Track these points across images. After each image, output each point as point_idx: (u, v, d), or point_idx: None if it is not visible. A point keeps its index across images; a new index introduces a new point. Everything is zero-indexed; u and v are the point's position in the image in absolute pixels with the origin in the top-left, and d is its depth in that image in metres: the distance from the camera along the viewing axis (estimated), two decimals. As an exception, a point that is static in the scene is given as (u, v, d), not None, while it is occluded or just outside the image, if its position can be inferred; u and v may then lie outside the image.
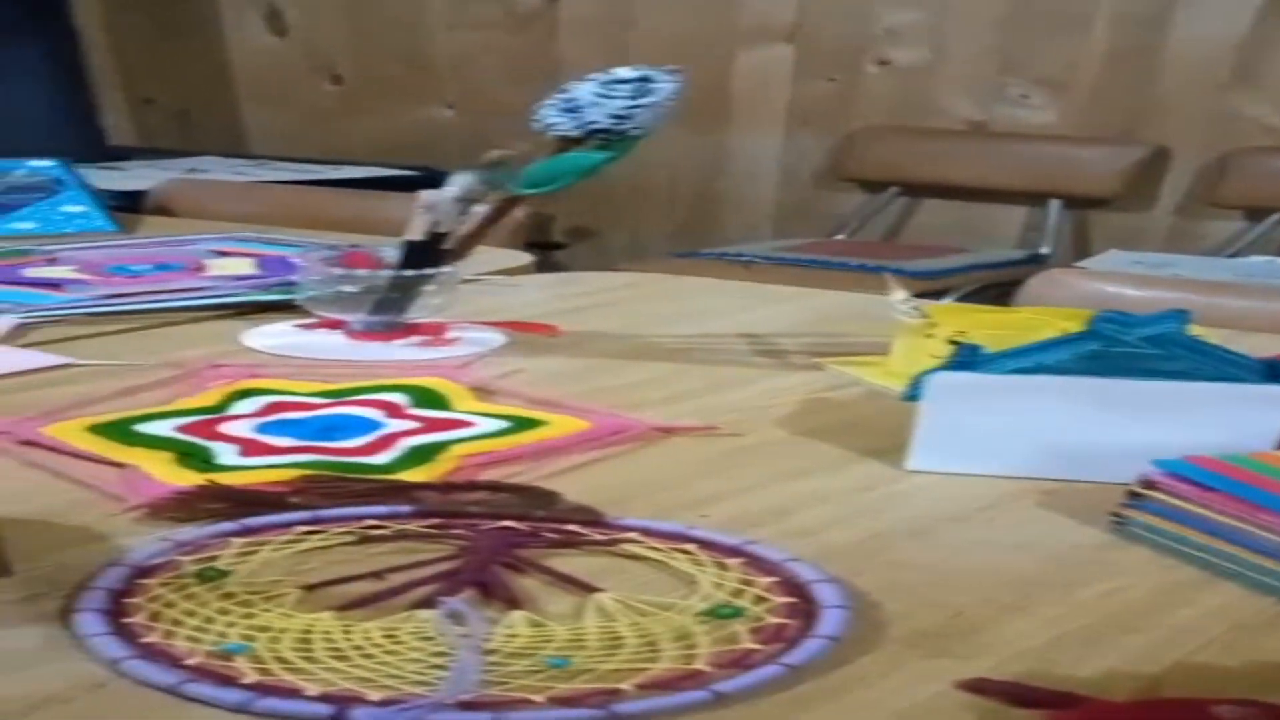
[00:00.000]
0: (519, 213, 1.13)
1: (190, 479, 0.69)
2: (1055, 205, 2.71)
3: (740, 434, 0.82)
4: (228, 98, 3.42)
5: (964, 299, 2.23)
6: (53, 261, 1.30)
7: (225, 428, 0.78)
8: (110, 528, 0.63)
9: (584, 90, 0.98)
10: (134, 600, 0.54)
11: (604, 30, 2.98)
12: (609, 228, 3.07)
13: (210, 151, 3.07)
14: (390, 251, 1.05)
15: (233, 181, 2.37)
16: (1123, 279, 1.47)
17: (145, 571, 0.57)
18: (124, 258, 1.33)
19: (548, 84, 1.02)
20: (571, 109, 0.97)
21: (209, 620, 0.52)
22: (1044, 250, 2.67)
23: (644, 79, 0.98)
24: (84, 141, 2.78)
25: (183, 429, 0.77)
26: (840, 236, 2.82)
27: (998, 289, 2.25)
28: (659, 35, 2.92)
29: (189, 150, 3.11)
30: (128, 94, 3.53)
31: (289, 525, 0.63)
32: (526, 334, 1.08)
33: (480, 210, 1.04)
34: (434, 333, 1.06)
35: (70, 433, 0.75)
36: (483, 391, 0.90)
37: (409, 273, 1.03)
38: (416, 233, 1.03)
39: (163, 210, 1.81)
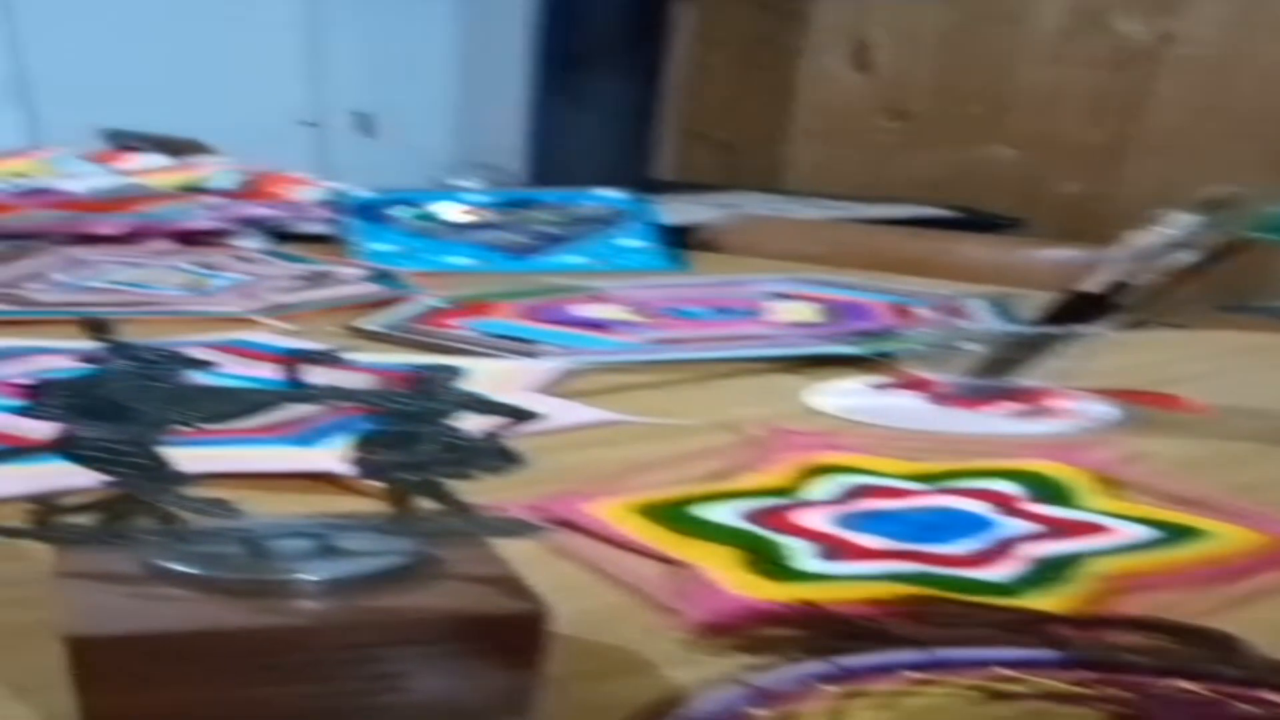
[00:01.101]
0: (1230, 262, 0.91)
1: (766, 591, 0.53)
2: None
3: None
4: (780, 132, 3.37)
5: None
6: (600, 299, 1.21)
7: (801, 518, 0.63)
8: (658, 652, 0.49)
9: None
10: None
11: (1211, 67, 2.69)
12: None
13: (749, 187, 3.01)
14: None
15: (790, 218, 2.26)
16: None
17: (708, 732, 0.42)
18: (679, 299, 1.22)
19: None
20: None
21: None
22: None
23: None
24: (627, 173, 2.77)
25: (752, 516, 0.62)
26: None
27: None
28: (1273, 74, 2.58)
29: (728, 185, 3.07)
30: (681, 128, 3.54)
31: (894, 670, 0.46)
32: (1144, 406, 0.87)
33: (1180, 258, 0.84)
34: (1031, 401, 0.87)
35: (617, 515, 0.62)
36: (1111, 483, 0.71)
37: (1048, 329, 0.84)
38: (1097, 282, 0.85)
39: (711, 246, 1.72)
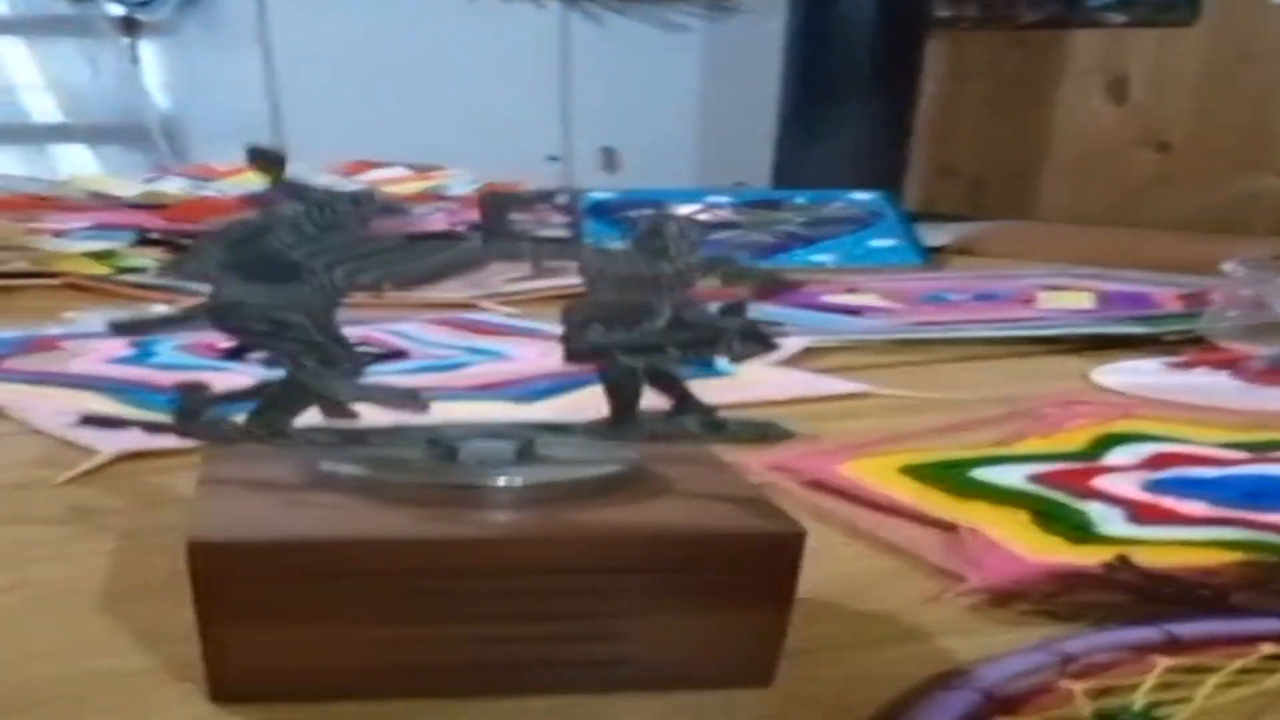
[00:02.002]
0: None
1: (1067, 553, 0.44)
2: None
3: None
4: (1031, 166, 3.24)
5: None
6: (852, 290, 1.12)
7: (1102, 482, 0.53)
8: (933, 619, 0.40)
9: None
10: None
11: None
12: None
13: (995, 218, 2.89)
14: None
15: (1055, 225, 2.13)
16: None
17: (1006, 704, 0.33)
18: (938, 287, 1.12)
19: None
20: None
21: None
22: None
23: None
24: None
25: (1041, 478, 0.52)
26: None
27: None
28: None
29: (976, 218, 2.95)
30: (929, 162, 3.44)
31: (1241, 640, 0.36)
32: None
33: None
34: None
35: (877, 472, 0.53)
36: None
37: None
38: None
39: (970, 253, 1.61)
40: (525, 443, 0.37)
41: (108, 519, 0.48)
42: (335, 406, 0.36)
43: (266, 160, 0.35)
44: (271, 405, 0.36)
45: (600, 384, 0.37)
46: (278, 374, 0.36)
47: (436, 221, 1.50)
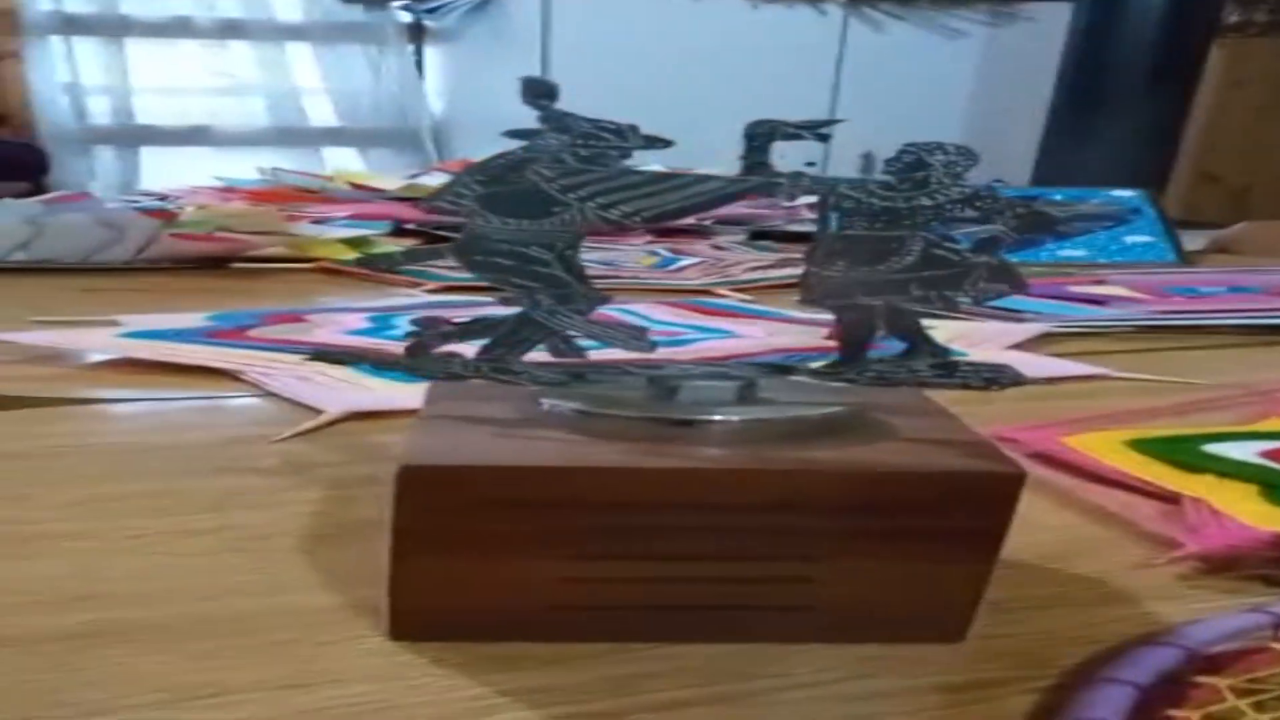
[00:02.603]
0: None
1: (1290, 522, 0.42)
2: None
3: None
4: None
5: None
6: (1101, 282, 1.08)
7: (1342, 458, 0.50)
8: (1144, 584, 0.39)
9: None
10: (1182, 712, 0.28)
11: None
12: None
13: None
14: None
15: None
16: None
17: (1211, 662, 0.31)
18: (1190, 280, 1.08)
19: None
20: None
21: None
22: None
23: None
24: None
25: (1272, 454, 0.50)
26: None
27: None
28: None
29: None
30: (1195, 168, 3.31)
31: None
32: None
33: None
34: None
35: (1103, 446, 0.51)
36: None
37: None
38: None
39: (1226, 252, 1.54)
40: (747, 383, 0.37)
41: (320, 471, 0.49)
42: (565, 344, 0.36)
43: (538, 89, 0.35)
44: (502, 341, 0.37)
45: (834, 323, 0.37)
46: (512, 311, 0.36)
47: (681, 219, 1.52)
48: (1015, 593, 0.37)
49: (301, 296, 0.98)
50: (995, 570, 0.33)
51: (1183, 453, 0.50)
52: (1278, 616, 0.33)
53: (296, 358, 0.67)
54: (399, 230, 1.43)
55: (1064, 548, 0.42)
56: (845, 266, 0.35)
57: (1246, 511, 0.43)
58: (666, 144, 0.35)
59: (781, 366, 0.39)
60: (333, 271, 1.17)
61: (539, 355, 0.37)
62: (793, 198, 0.37)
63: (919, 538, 0.33)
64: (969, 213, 0.35)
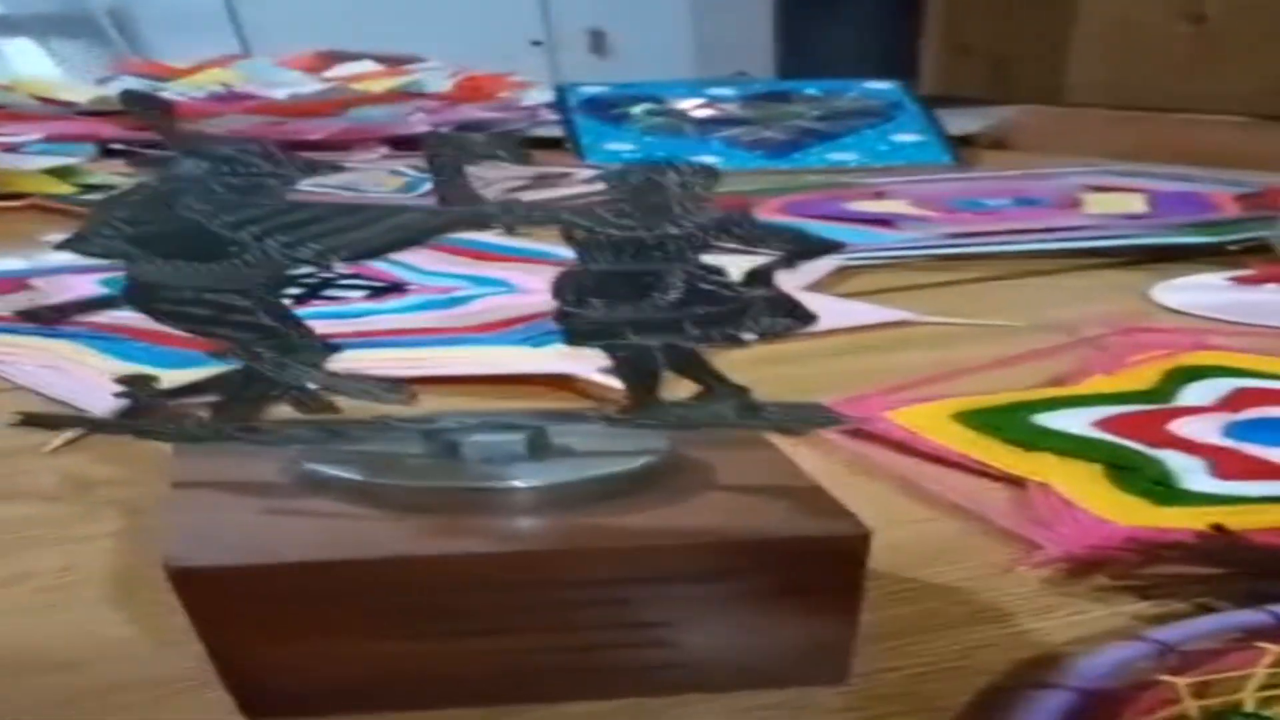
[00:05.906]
0: None
1: (1149, 516, 0.43)
2: None
3: None
4: (1058, 44, 3.18)
5: None
6: (879, 195, 1.10)
7: (1177, 427, 0.51)
8: (1010, 594, 0.39)
9: None
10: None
11: None
12: None
13: (1022, 102, 2.84)
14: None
15: (1098, 111, 2.11)
16: None
17: (1106, 702, 0.32)
18: (974, 191, 1.10)
19: None
20: None
21: None
22: None
23: None
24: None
25: (1110, 424, 0.51)
26: None
27: None
28: None
29: (997, 101, 2.91)
30: (945, 41, 3.39)
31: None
32: None
33: None
34: None
35: (930, 422, 0.52)
36: None
37: None
38: None
39: (1001, 146, 1.59)
40: (535, 432, 0.35)
41: (108, 492, 0.46)
42: (309, 399, 0.34)
43: (146, 108, 0.33)
44: (234, 399, 0.34)
45: (612, 371, 0.35)
46: (231, 364, 0.34)
47: (417, 124, 1.48)
48: (885, 614, 0.37)
49: (21, 244, 0.92)
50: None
51: (1014, 428, 0.51)
52: (1164, 647, 0.34)
53: (38, 340, 0.62)
54: (105, 151, 1.37)
55: (920, 550, 0.42)
56: (604, 305, 0.33)
57: (1097, 500, 0.44)
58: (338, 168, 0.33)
59: (570, 414, 0.37)
60: (46, 209, 1.10)
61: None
62: (511, 230, 0.34)
63: (769, 597, 0.32)
64: (728, 243, 0.33)
